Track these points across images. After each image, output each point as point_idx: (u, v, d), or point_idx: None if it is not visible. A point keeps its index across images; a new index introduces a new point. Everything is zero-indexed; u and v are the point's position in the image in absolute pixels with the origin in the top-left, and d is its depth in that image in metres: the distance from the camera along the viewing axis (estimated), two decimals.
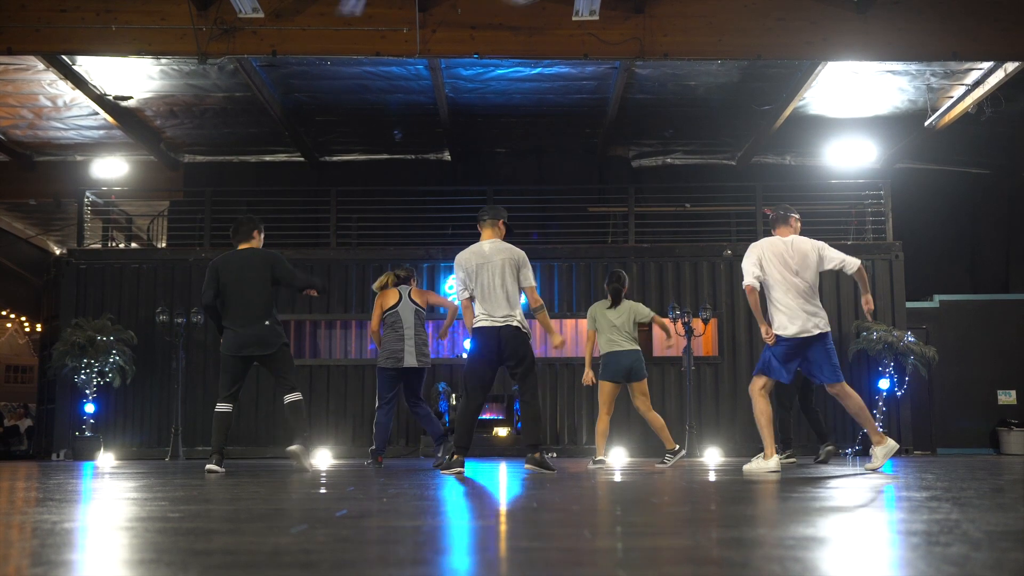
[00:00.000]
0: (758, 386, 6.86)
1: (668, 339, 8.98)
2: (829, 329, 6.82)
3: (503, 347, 6.64)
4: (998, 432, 13.97)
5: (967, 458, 11.12)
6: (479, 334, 6.67)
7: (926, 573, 1.91)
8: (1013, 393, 14.15)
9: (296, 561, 2.09)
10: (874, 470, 6.59)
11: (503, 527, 2.98)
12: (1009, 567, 1.98)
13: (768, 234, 7.24)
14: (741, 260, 13.30)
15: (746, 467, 6.87)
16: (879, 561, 2.12)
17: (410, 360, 8.49)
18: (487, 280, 6.69)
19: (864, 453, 12.08)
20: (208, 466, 7.18)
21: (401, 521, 3.07)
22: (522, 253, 6.84)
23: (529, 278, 6.79)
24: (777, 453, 6.88)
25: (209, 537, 2.60)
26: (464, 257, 6.82)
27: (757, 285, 6.82)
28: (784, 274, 6.78)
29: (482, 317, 6.68)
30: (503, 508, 3.75)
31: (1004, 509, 3.39)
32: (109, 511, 3.59)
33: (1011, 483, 5.20)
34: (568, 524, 3.02)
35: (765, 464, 6.68)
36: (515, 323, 6.64)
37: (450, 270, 13.54)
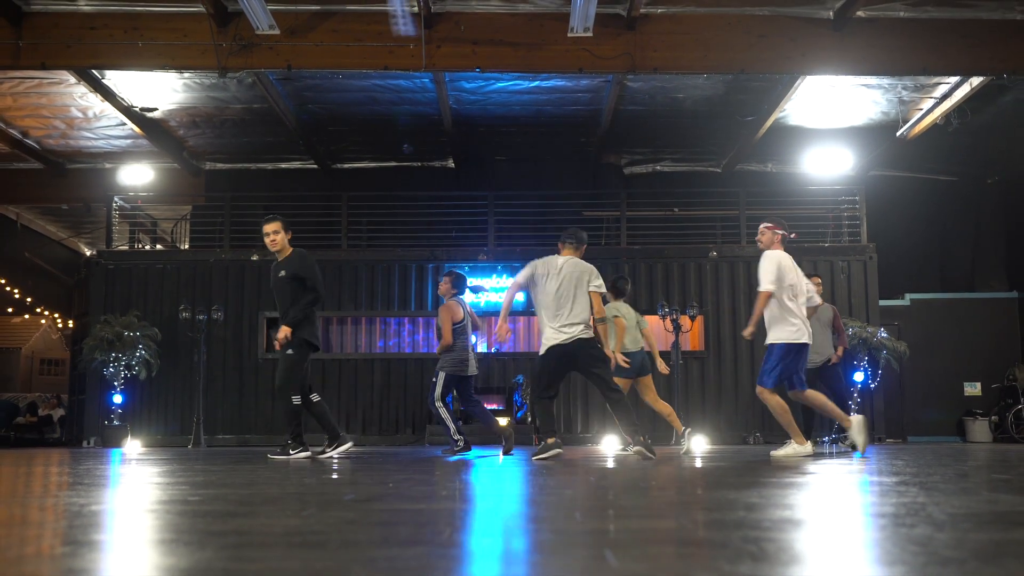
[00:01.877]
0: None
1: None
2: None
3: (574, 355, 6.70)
4: (964, 421, 13.98)
5: (935, 445, 11.12)
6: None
7: (892, 552, 1.92)
8: (978, 385, 14.16)
9: (305, 541, 2.10)
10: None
11: (500, 510, 2.99)
12: (969, 546, 1.99)
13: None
14: (725, 261, 13.26)
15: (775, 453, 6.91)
16: (848, 541, 2.13)
17: (473, 368, 8.34)
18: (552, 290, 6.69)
19: (842, 440, 12.10)
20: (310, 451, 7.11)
21: (404, 504, 3.07)
22: (591, 268, 6.81)
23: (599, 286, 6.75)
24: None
25: (225, 519, 2.60)
26: (538, 263, 6.82)
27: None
28: (798, 286, 6.92)
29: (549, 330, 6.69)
30: (501, 493, 3.75)
31: (967, 493, 3.39)
32: (134, 494, 3.59)
33: (975, 469, 5.20)
34: (561, 507, 3.02)
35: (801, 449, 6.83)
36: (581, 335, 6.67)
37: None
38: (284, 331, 6.98)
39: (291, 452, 7.08)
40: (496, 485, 4.22)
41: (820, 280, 9.41)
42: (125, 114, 12.88)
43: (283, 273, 7.10)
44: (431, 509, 2.95)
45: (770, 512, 2.68)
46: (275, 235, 7.14)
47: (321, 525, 2.41)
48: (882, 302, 13.58)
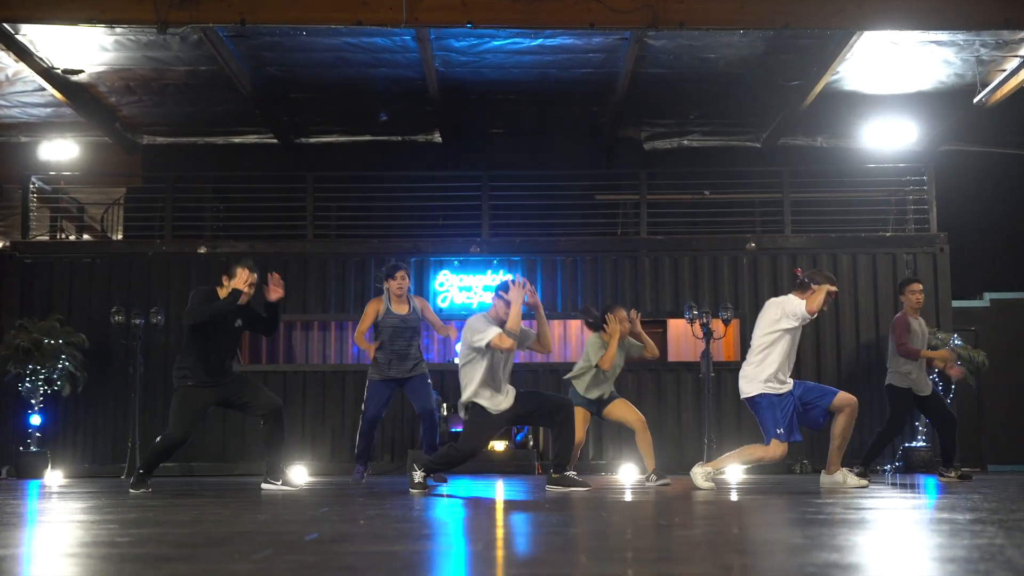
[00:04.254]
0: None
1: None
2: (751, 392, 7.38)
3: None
4: None
5: (1021, 476, 11.11)
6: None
7: None
8: None
9: None
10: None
11: (492, 552, 2.98)
12: None
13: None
14: (765, 254, 13.33)
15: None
16: None
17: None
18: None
19: (906, 470, 12.11)
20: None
21: (377, 546, 3.06)
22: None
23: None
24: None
25: (158, 564, 2.60)
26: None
27: None
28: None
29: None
30: (494, 531, 3.75)
31: None
32: (51, 536, 3.58)
33: None
34: (564, 549, 3.01)
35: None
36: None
37: (441, 264, 13.53)
38: None
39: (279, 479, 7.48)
40: (489, 521, 4.21)
41: (920, 288, 9.50)
42: (44, 77, 12.84)
43: (239, 323, 7.39)
44: (408, 551, 2.94)
45: (815, 555, 2.68)
46: (254, 287, 7.36)
47: (274, 571, 2.40)
48: (955, 303, 13.55)
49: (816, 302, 7.16)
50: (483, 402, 6.88)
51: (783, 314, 7.23)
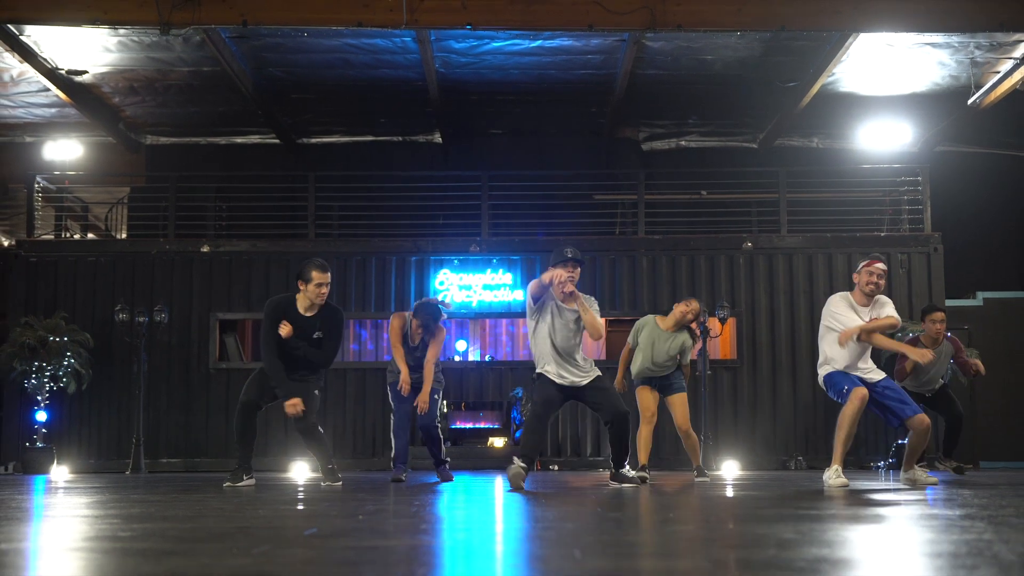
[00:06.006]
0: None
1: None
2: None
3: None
4: None
5: (1012, 473, 11.12)
6: None
7: None
8: None
9: None
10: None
11: (487, 547, 3.00)
12: None
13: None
14: (762, 253, 13.30)
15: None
16: None
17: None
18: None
19: (900, 466, 12.11)
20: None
21: (375, 541, 3.08)
22: None
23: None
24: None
25: (159, 559, 2.61)
26: None
27: None
28: None
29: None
30: (491, 526, 3.76)
31: None
32: (56, 530, 3.60)
33: None
34: (559, 544, 3.03)
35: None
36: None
37: (441, 263, 13.55)
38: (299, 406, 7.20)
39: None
40: (486, 517, 4.23)
41: (942, 317, 9.38)
42: (49, 78, 12.86)
43: (318, 335, 7.25)
44: (405, 546, 2.96)
45: (806, 550, 2.70)
46: (327, 287, 7.21)
47: (273, 566, 2.42)
48: (949, 302, 13.56)
49: None
50: (547, 372, 6.98)
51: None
